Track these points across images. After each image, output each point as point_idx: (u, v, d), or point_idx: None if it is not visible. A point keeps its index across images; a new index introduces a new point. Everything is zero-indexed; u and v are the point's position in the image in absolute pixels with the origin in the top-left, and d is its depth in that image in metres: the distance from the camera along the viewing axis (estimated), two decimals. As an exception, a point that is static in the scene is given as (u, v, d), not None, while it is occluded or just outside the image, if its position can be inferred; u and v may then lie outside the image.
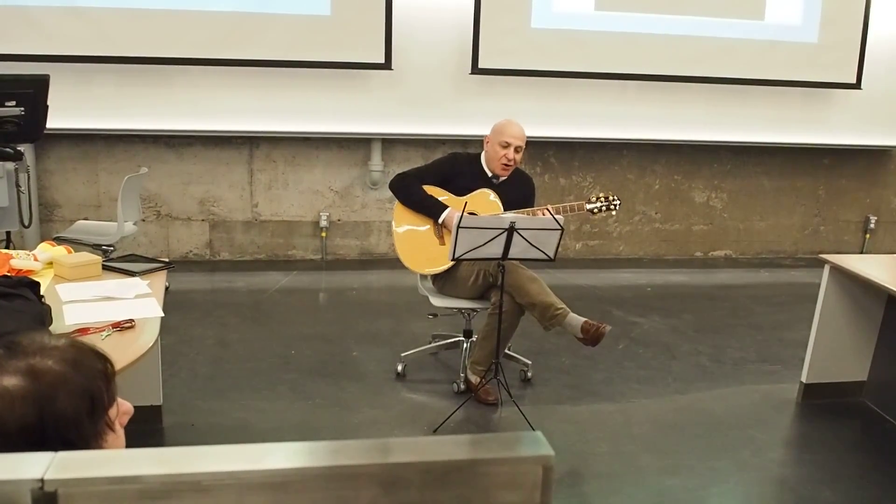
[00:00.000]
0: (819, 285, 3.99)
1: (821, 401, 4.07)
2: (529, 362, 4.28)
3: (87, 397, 1.17)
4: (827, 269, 3.95)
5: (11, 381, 1.11)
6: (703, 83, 6.49)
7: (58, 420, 1.12)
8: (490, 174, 4.13)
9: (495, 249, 3.55)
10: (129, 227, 5.12)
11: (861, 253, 7.26)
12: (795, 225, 7.29)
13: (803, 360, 4.12)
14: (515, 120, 4.14)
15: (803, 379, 4.11)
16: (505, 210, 4.02)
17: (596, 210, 4.11)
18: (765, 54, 6.47)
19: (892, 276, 3.74)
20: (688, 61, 6.36)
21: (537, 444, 0.77)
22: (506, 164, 4.07)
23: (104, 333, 2.59)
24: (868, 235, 7.40)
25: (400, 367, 4.23)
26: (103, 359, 1.23)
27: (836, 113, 6.88)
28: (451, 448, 0.80)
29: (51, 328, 2.53)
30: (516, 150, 4.06)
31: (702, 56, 6.37)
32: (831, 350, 4.05)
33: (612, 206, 4.12)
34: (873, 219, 7.35)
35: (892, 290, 3.50)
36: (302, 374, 4.24)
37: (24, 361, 1.14)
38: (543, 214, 3.87)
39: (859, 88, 6.65)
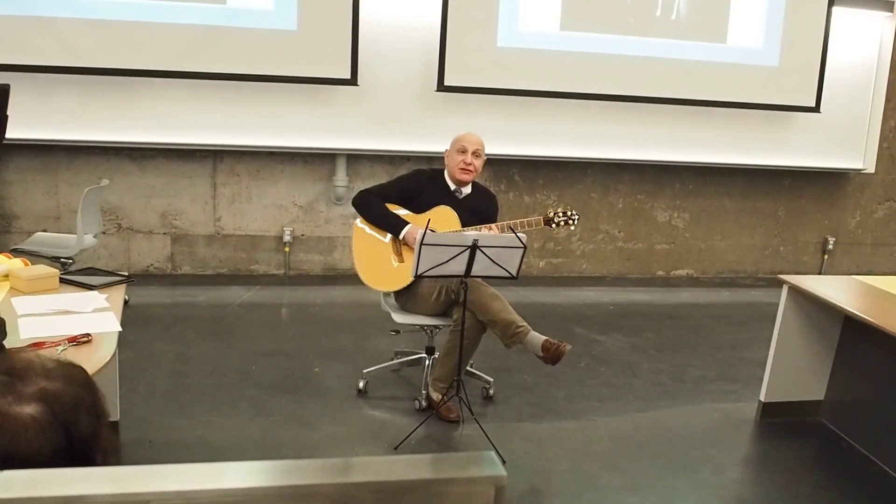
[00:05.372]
0: (778, 305, 4.05)
1: (779, 419, 4.12)
2: (491, 380, 4.28)
3: (96, 413, 1.18)
4: (785, 289, 4.01)
5: (32, 409, 1.10)
6: (667, 104, 6.58)
7: (82, 441, 1.13)
8: (453, 188, 4.15)
9: (458, 267, 3.55)
10: (89, 239, 5.06)
11: (819, 274, 7.38)
12: (756, 245, 7.39)
13: (762, 378, 4.16)
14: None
15: (762, 398, 4.15)
16: (465, 225, 4.04)
17: (554, 224, 4.13)
18: (727, 77, 6.57)
19: (849, 297, 3.81)
20: (651, 82, 6.44)
21: (490, 465, 0.77)
22: (464, 169, 4.09)
23: (60, 348, 2.55)
24: (826, 256, 7.52)
25: (362, 384, 4.22)
26: (82, 369, 1.24)
27: (795, 135, 7.01)
28: (404, 468, 0.80)
29: (5, 342, 2.48)
30: (474, 154, 4.10)
31: (665, 77, 6.45)
32: (789, 369, 4.10)
33: (570, 221, 4.14)
34: (831, 240, 7.47)
35: (848, 310, 3.56)
36: (263, 390, 4.20)
37: (32, 387, 1.12)
38: (500, 231, 3.90)
39: (818, 111, 6.77)
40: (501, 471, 0.75)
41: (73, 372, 1.20)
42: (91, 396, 1.19)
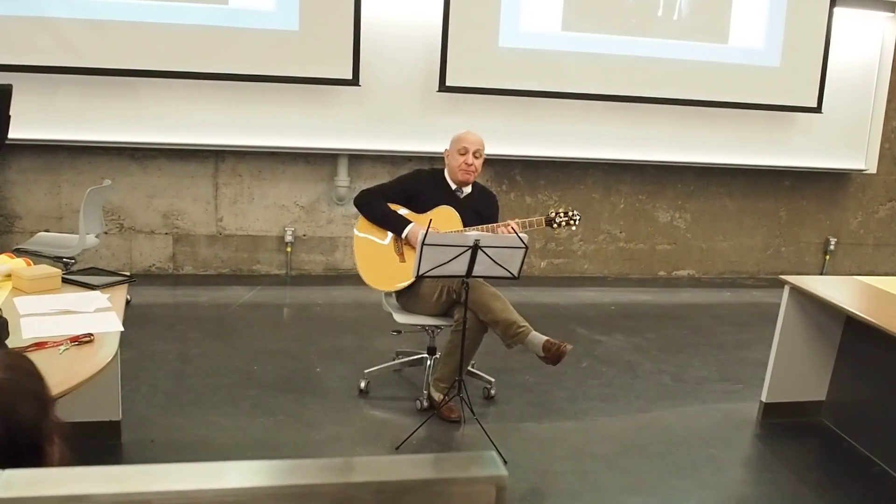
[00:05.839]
0: (779, 306, 4.04)
1: (780, 420, 4.12)
2: (493, 380, 4.28)
3: (38, 400, 1.17)
4: (787, 289, 4.00)
5: None
6: (668, 105, 6.57)
7: (22, 428, 1.12)
8: (454, 187, 4.16)
9: (459, 267, 3.55)
10: (91, 239, 5.06)
11: (821, 274, 7.37)
12: (757, 245, 7.38)
13: (763, 379, 4.16)
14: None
15: (763, 398, 4.15)
16: (467, 225, 4.04)
17: (556, 224, 4.13)
18: (728, 77, 6.57)
19: (851, 297, 3.80)
20: (653, 83, 6.44)
21: (491, 465, 0.77)
22: (466, 171, 4.10)
23: (62, 348, 2.55)
24: (828, 257, 7.51)
25: (363, 384, 4.22)
26: (27, 359, 1.23)
27: (797, 136, 7.00)
28: (405, 468, 0.80)
29: (7, 342, 2.49)
30: (475, 154, 4.10)
31: (667, 78, 6.45)
32: (791, 370, 4.10)
33: (572, 221, 4.14)
34: (833, 240, 7.47)
35: (850, 311, 3.55)
36: (264, 389, 4.20)
37: None
38: (507, 231, 3.90)
39: (820, 112, 6.77)
40: (503, 471, 0.75)
41: (13, 361, 1.20)
42: (34, 385, 1.18)
